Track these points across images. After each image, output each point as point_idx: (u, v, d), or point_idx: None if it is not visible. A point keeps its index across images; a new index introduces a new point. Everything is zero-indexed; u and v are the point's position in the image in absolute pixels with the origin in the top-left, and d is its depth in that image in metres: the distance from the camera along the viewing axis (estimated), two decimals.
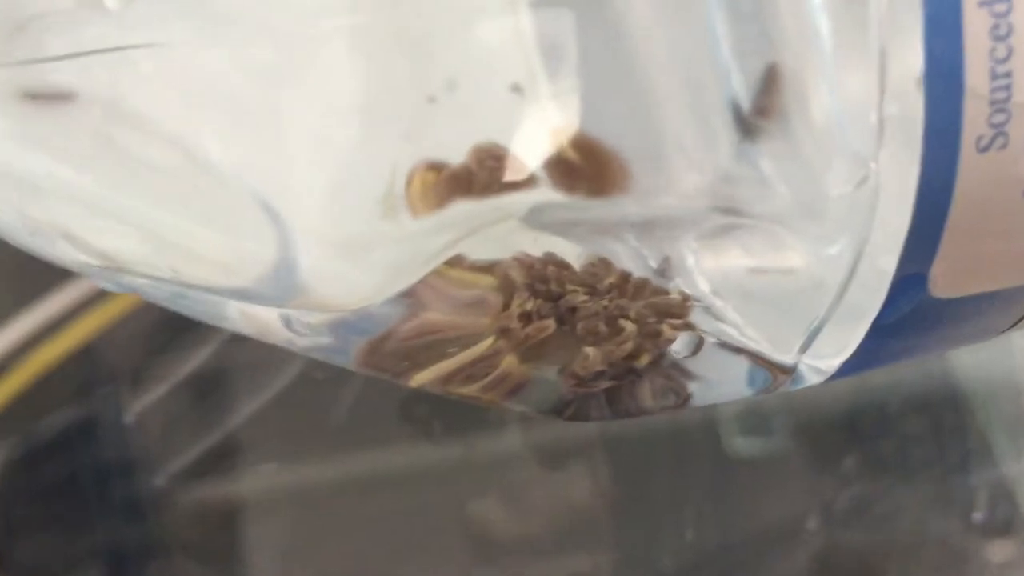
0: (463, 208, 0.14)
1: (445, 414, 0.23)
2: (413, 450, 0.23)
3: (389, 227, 0.14)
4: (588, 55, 0.14)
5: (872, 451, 0.23)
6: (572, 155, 0.14)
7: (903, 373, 0.23)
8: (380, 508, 0.22)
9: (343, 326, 0.16)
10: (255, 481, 0.22)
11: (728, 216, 0.14)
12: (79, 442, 0.23)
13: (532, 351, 0.16)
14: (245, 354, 0.23)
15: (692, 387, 0.17)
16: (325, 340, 0.16)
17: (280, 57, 0.14)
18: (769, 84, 0.14)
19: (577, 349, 0.16)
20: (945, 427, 0.23)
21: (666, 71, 0.14)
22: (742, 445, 0.22)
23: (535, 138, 0.14)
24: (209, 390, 0.23)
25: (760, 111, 0.14)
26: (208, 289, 0.16)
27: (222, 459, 0.22)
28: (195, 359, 0.23)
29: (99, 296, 0.23)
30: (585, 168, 0.14)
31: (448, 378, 0.17)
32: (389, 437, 0.23)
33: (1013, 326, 0.16)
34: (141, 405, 0.23)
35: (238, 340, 0.22)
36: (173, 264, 0.16)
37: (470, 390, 0.17)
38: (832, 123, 0.14)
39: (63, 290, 0.23)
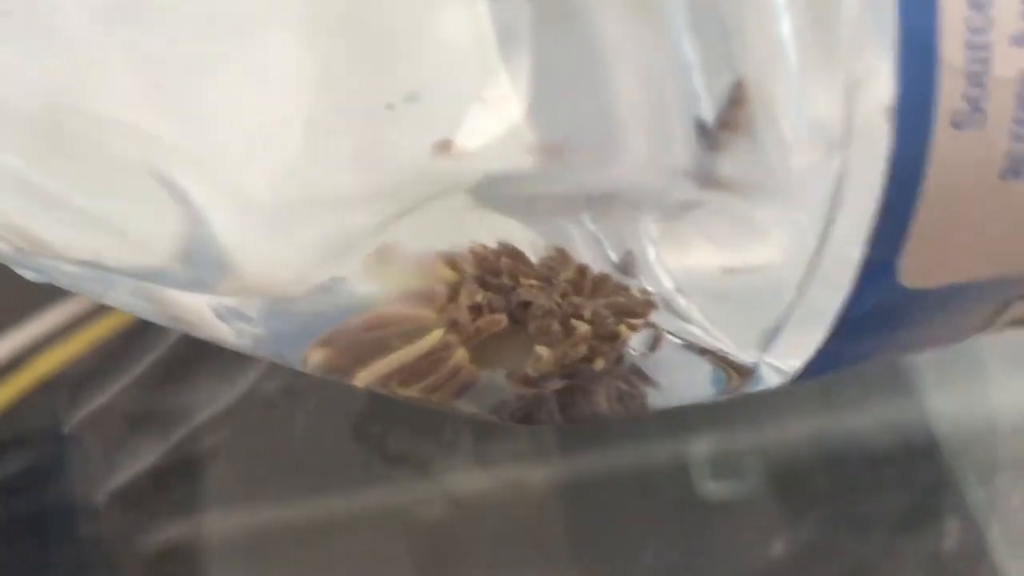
0: (402, 177, 0.14)
1: (399, 436, 0.22)
2: (370, 482, 0.22)
3: (321, 192, 0.14)
4: (550, 62, 0.13)
5: (845, 495, 0.22)
6: None
7: (878, 416, 0.23)
8: (339, 547, 0.22)
9: (279, 317, 0.15)
10: (215, 522, 0.22)
11: (687, 186, 0.14)
12: (37, 482, 0.22)
13: (482, 348, 0.16)
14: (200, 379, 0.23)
15: (649, 390, 0.16)
16: (259, 331, 0.15)
17: (220, 44, 0.13)
18: (735, 100, 0.13)
19: (529, 349, 0.16)
20: (919, 472, 0.23)
21: (629, 78, 0.14)
22: (713, 489, 0.22)
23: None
24: (165, 423, 0.23)
25: (725, 125, 0.13)
26: (128, 272, 0.15)
27: (183, 498, 0.22)
28: (151, 393, 0.23)
29: (59, 332, 0.22)
30: None
31: (394, 375, 0.16)
32: (344, 466, 0.22)
33: (983, 328, 0.15)
34: (87, 442, 0.23)
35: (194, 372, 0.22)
36: (92, 245, 0.15)
37: (416, 389, 0.16)
38: (800, 124, 0.13)
39: (23, 327, 0.22)
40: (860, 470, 0.22)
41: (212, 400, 0.22)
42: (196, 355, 0.22)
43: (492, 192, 0.14)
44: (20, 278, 0.16)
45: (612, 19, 0.13)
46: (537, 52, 0.13)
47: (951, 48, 0.12)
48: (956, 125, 0.13)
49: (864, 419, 0.23)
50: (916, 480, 0.22)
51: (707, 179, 0.14)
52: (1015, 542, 0.22)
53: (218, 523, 0.22)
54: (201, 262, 0.14)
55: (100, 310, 0.23)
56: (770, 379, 0.16)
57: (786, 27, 0.13)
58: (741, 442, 0.22)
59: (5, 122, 0.14)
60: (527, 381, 0.16)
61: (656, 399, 0.16)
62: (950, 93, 0.12)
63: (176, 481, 0.22)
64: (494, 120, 0.14)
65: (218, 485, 0.22)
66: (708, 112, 0.13)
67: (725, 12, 0.13)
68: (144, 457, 0.22)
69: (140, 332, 0.22)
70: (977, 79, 0.12)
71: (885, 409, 0.23)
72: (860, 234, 0.13)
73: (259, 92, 0.14)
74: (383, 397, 0.16)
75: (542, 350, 0.15)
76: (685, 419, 0.20)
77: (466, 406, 0.17)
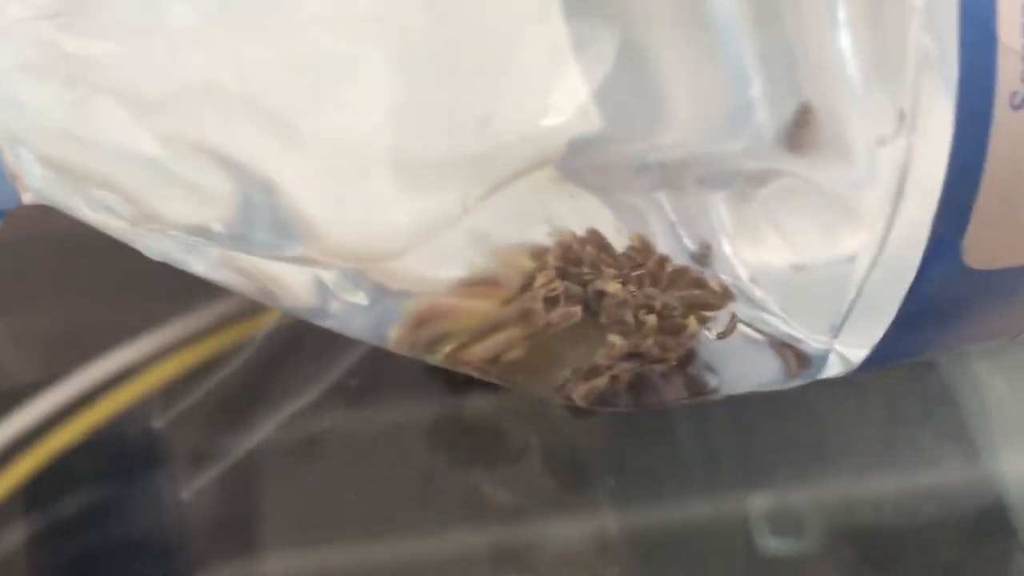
0: (497, 139, 0.14)
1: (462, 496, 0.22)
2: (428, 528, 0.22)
3: (415, 158, 0.14)
4: (613, 92, 0.14)
5: (904, 557, 0.22)
6: None
7: (941, 478, 0.23)
8: None
9: (380, 293, 0.16)
10: (274, 565, 0.22)
11: (758, 150, 0.14)
12: (103, 519, 0.23)
13: (553, 341, 0.16)
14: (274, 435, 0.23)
15: (714, 380, 0.17)
16: (361, 301, 0.16)
17: (304, 50, 0.14)
18: (801, 121, 0.14)
19: (601, 340, 0.16)
20: (982, 535, 0.22)
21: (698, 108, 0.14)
22: (773, 545, 0.22)
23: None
24: (226, 463, 0.23)
25: (794, 146, 0.14)
26: (221, 235, 0.16)
27: (243, 539, 0.22)
28: (212, 432, 0.23)
29: (124, 374, 0.23)
30: None
31: (475, 353, 0.16)
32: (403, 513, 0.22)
33: None
34: (173, 485, 0.23)
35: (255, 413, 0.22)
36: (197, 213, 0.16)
37: (493, 366, 0.17)
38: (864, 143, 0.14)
39: (88, 368, 0.23)
40: (920, 531, 0.22)
41: (272, 442, 0.23)
42: (257, 396, 0.23)
43: (574, 164, 0.15)
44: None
45: (674, 59, 0.14)
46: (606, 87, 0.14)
47: (1009, 30, 0.13)
48: (1015, 106, 0.13)
49: (926, 480, 0.23)
50: (979, 543, 0.22)
51: (779, 143, 0.14)
52: None
53: (277, 566, 0.22)
54: (265, 226, 0.15)
55: (166, 351, 0.23)
56: (833, 367, 0.16)
57: (846, 40, 0.14)
58: (801, 499, 0.22)
59: (122, 102, 0.15)
60: (596, 372, 0.16)
61: (720, 387, 0.17)
62: (1009, 74, 0.13)
63: (236, 523, 0.22)
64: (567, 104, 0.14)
65: (277, 528, 0.22)
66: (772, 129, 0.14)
67: (789, 36, 0.14)
68: (206, 496, 0.23)
69: (202, 372, 0.23)
70: None
71: (949, 470, 0.23)
72: (926, 214, 0.14)
73: (353, 90, 0.15)
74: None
75: (615, 338, 0.16)
76: (746, 474, 0.20)
77: (540, 386, 0.17)
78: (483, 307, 0.16)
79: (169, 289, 0.20)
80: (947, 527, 0.22)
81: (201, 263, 0.16)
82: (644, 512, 0.22)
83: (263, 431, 0.23)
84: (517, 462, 0.22)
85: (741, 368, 0.17)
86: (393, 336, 0.17)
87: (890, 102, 0.14)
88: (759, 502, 0.22)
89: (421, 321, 0.16)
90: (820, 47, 0.14)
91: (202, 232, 0.16)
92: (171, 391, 0.23)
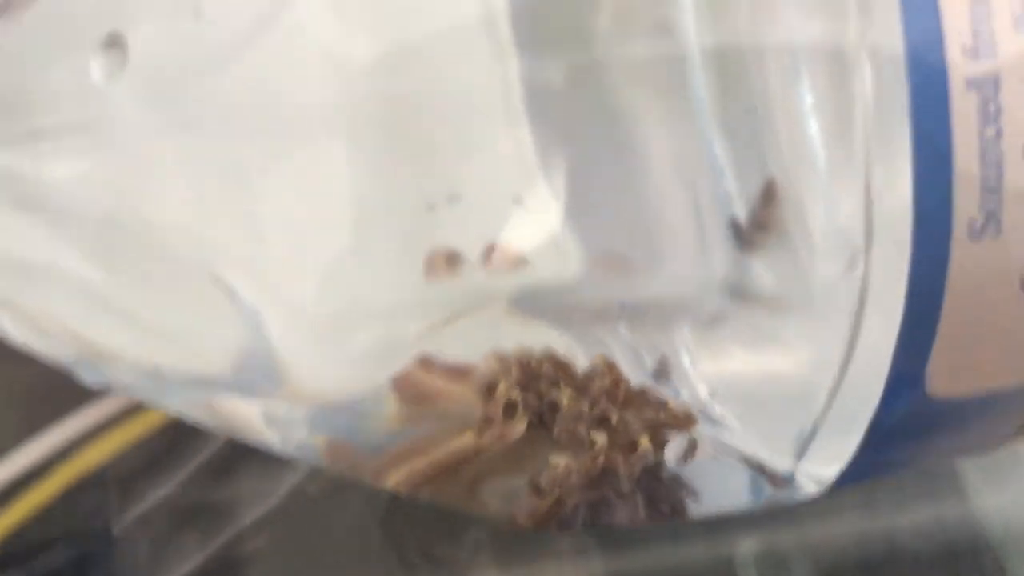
0: (448, 286, 0.14)
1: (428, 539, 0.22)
2: None
3: (367, 301, 0.14)
4: (588, 165, 0.14)
5: None
6: None
7: (924, 515, 0.22)
8: None
9: (324, 422, 0.16)
10: None
11: (720, 299, 0.14)
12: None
13: (507, 452, 0.16)
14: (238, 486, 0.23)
15: (687, 499, 0.16)
16: (303, 436, 0.16)
17: (271, 149, 0.14)
18: (767, 199, 0.13)
19: (548, 454, 0.16)
20: (966, 572, 0.22)
21: (666, 185, 0.14)
22: None
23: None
24: (203, 521, 0.23)
25: (758, 225, 0.14)
26: (185, 381, 0.16)
27: None
28: (197, 492, 0.23)
29: (99, 429, 0.23)
30: None
31: (423, 476, 0.16)
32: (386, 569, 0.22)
33: (1017, 435, 0.15)
34: (135, 539, 0.23)
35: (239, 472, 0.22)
36: (152, 353, 0.15)
37: (442, 490, 0.16)
38: (827, 229, 0.13)
39: (64, 423, 0.23)
40: (906, 570, 0.22)
41: (256, 500, 0.23)
42: (240, 455, 0.22)
43: (531, 302, 0.14)
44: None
45: (648, 123, 0.14)
46: (575, 156, 0.14)
47: (965, 158, 0.12)
48: (973, 235, 0.13)
49: (910, 519, 0.22)
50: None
51: (739, 291, 0.14)
52: None
53: None
54: (258, 371, 0.15)
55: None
56: (807, 488, 0.16)
57: (814, 128, 0.13)
58: (786, 542, 0.22)
59: (70, 229, 0.15)
60: (540, 492, 0.16)
61: (695, 508, 0.16)
62: (966, 203, 0.13)
63: None
64: (535, 227, 0.14)
65: None
66: (741, 212, 0.14)
67: (756, 114, 0.13)
68: (189, 557, 0.22)
69: (186, 430, 0.23)
70: (992, 189, 0.12)
71: (931, 508, 0.22)
72: (886, 345, 0.13)
73: (307, 197, 0.14)
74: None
75: (558, 459, 0.15)
76: (730, 518, 0.20)
77: (489, 508, 0.17)
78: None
79: None
80: (934, 566, 0.22)
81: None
82: (630, 555, 0.22)
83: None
84: None
85: (715, 488, 0.16)
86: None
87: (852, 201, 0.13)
88: (746, 543, 0.22)
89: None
90: (790, 134, 0.13)
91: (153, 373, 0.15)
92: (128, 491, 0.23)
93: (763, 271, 0.14)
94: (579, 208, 0.14)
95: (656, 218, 0.14)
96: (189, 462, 0.23)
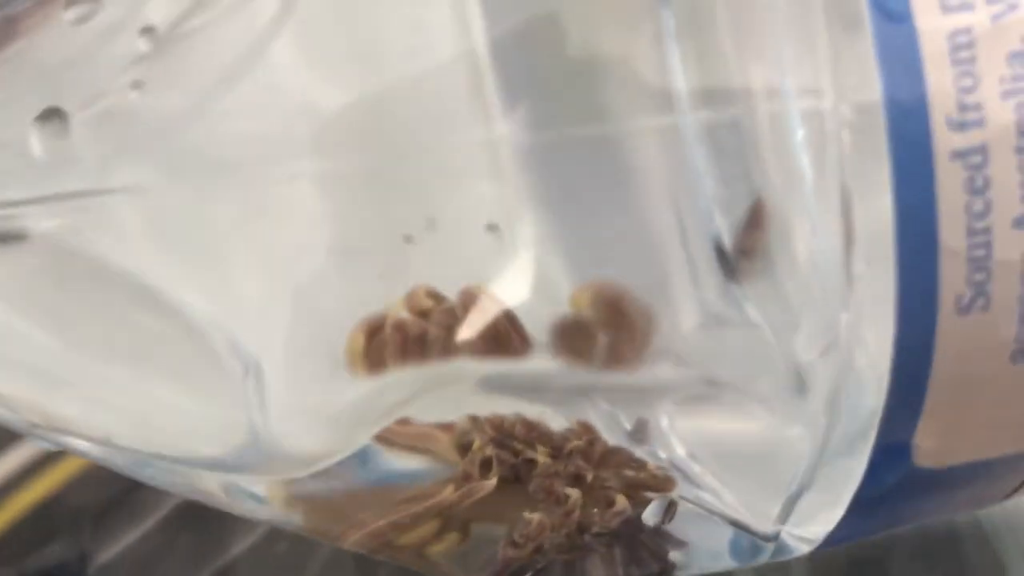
0: (412, 371, 0.14)
1: None
2: None
3: (346, 384, 0.14)
4: (572, 193, 0.13)
5: None
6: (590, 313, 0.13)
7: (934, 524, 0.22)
8: None
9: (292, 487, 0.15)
10: None
11: (704, 386, 0.13)
12: None
13: (479, 506, 0.15)
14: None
15: (674, 555, 0.16)
16: (266, 509, 0.15)
17: (246, 201, 0.13)
18: (753, 222, 0.13)
19: (522, 511, 0.15)
20: (971, 569, 0.22)
21: (652, 212, 0.13)
22: None
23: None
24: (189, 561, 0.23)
25: (743, 250, 0.13)
26: (176, 460, 0.15)
27: None
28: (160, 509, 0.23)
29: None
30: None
31: (385, 534, 0.15)
32: None
33: (1013, 493, 0.15)
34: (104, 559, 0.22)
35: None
36: (106, 425, 0.15)
37: (407, 547, 0.16)
38: (813, 265, 0.13)
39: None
40: (904, 565, 0.22)
41: (229, 544, 0.22)
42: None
43: (496, 383, 0.14)
44: None
45: (633, 147, 0.13)
46: (559, 185, 0.13)
47: (951, 233, 0.12)
48: (961, 310, 0.12)
49: (919, 528, 0.22)
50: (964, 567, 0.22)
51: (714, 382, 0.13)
52: None
53: None
54: (260, 450, 0.14)
55: None
56: (796, 547, 0.15)
57: (805, 161, 0.13)
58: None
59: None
60: (515, 545, 0.15)
61: (682, 565, 0.16)
62: (953, 278, 0.12)
63: None
64: (517, 266, 0.13)
65: None
66: (727, 237, 0.13)
67: (744, 138, 0.13)
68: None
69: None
70: (980, 263, 0.12)
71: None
72: (871, 418, 0.13)
73: (278, 250, 0.14)
74: None
75: (532, 516, 0.15)
76: None
77: (455, 569, 0.16)
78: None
79: None
80: (933, 560, 0.21)
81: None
82: None
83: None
84: None
85: (701, 545, 0.16)
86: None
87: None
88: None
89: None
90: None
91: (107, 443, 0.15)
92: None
93: (755, 314, 0.13)
94: (565, 236, 0.13)
95: (646, 244, 0.14)
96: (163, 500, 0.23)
